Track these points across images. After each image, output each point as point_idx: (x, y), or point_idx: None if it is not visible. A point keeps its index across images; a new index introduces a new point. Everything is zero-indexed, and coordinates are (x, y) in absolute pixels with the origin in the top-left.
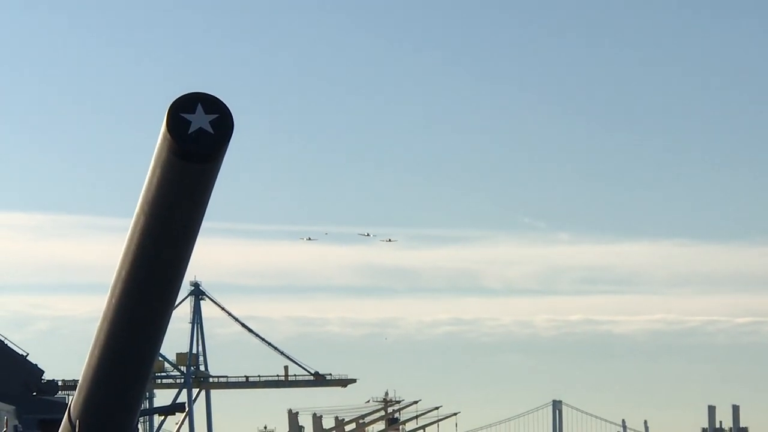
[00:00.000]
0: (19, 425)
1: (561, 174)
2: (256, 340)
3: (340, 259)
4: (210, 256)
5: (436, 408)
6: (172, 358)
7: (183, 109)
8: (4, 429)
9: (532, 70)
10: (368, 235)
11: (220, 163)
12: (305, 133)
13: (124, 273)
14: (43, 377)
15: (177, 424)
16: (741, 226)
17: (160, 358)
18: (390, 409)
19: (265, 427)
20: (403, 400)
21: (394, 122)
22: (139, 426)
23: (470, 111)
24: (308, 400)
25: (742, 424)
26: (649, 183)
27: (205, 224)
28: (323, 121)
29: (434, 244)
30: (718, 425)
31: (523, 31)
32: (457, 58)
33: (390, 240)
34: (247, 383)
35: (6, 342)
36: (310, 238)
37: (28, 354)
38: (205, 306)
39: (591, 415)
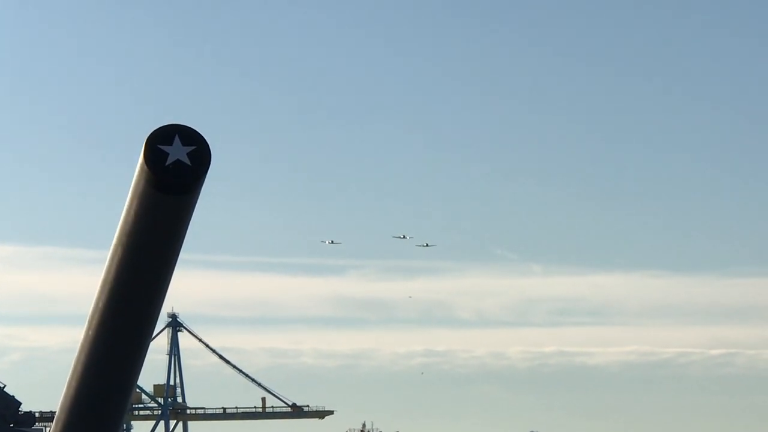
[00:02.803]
0: None
1: (533, 205)
2: (233, 372)
3: (312, 291)
4: (184, 288)
5: None
6: (150, 389)
7: (160, 140)
8: None
9: (504, 100)
10: (404, 237)
11: (198, 195)
12: (280, 166)
13: (101, 304)
14: (20, 409)
15: None
16: (714, 257)
17: (138, 390)
18: None
19: None
20: (380, 431)
21: (367, 153)
22: None
23: (441, 141)
24: None
25: None
26: (622, 214)
27: (179, 256)
28: (298, 153)
29: (407, 275)
30: None
31: (492, 60)
32: (430, 87)
33: (427, 245)
34: (224, 415)
35: None
36: (333, 242)
37: (5, 386)
38: (181, 337)
39: None
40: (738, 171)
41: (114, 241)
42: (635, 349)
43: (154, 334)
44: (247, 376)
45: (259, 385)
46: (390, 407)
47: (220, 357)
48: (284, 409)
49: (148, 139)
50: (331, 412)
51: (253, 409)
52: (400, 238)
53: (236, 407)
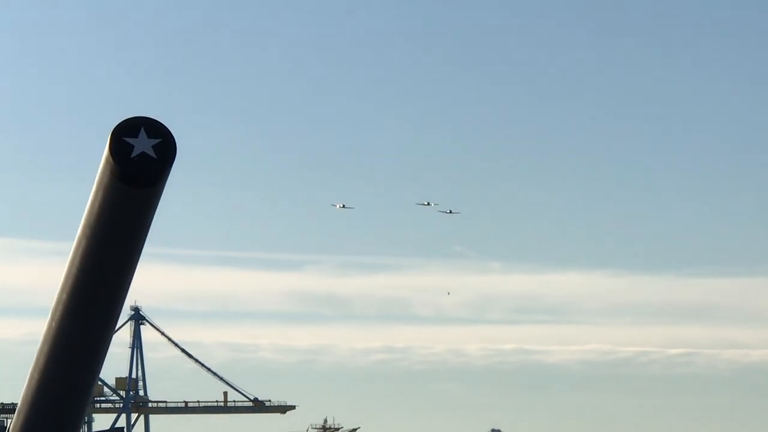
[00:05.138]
0: None
1: (492, 203)
2: (194, 365)
3: (271, 286)
4: (145, 281)
5: None
6: (112, 382)
7: (126, 132)
8: None
9: (466, 101)
10: (428, 204)
11: (162, 188)
12: (242, 161)
13: (64, 296)
14: None
15: None
16: (673, 257)
17: (100, 383)
18: None
19: None
20: (342, 427)
21: (326, 151)
22: None
23: (401, 140)
24: (248, 426)
25: None
26: (580, 214)
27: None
28: (260, 148)
29: (366, 271)
30: None
31: (460, 65)
32: (397, 91)
33: (451, 212)
34: (186, 408)
35: None
36: (344, 206)
37: None
38: (144, 330)
39: None
40: (697, 172)
41: (78, 232)
42: (594, 347)
43: (116, 327)
44: (209, 370)
45: (221, 379)
46: (350, 403)
47: (183, 351)
48: (246, 404)
49: (113, 131)
50: (293, 407)
51: (215, 404)
52: (423, 205)
53: (198, 401)
